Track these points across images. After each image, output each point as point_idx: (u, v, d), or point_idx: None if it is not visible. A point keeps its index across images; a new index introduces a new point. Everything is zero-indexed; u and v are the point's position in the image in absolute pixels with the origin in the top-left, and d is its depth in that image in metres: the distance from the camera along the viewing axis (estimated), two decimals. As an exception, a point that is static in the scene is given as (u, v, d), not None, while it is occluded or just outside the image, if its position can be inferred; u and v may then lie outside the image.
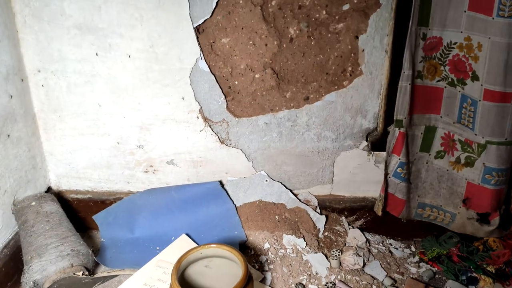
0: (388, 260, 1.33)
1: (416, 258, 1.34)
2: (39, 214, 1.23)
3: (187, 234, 1.35)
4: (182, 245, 1.32)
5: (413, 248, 1.39)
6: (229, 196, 1.41)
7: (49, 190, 1.46)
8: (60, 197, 1.44)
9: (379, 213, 1.31)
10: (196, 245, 1.32)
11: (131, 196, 1.44)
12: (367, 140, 1.34)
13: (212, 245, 1.05)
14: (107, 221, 1.43)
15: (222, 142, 1.36)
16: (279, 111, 1.32)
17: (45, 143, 1.40)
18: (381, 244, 1.39)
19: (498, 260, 1.24)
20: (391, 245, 1.39)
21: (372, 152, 1.34)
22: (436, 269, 1.30)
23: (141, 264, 1.28)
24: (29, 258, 1.15)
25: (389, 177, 1.26)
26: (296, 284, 1.20)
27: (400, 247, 1.39)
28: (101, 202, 1.46)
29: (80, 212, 1.48)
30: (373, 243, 1.38)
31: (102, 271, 1.28)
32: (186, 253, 1.04)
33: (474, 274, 1.24)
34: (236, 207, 1.40)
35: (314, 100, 1.30)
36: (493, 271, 1.25)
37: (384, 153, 1.34)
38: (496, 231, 1.27)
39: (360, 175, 1.39)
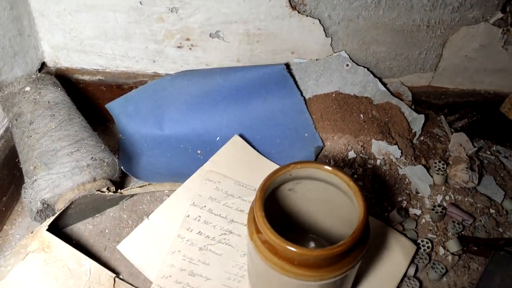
0: (502, 174, 1.02)
1: (535, 172, 1.04)
2: (38, 105, 0.85)
3: (240, 135, 1.00)
4: (235, 150, 0.97)
5: (527, 158, 1.08)
6: (296, 85, 1.03)
7: (43, 67, 1.05)
8: (59, 78, 1.05)
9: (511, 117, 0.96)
10: (254, 150, 0.98)
11: (159, 80, 1.05)
12: (504, 11, 0.93)
13: (308, 165, 0.71)
14: (126, 112, 1.07)
15: (294, 8, 0.94)
16: (383, -38, 0.88)
17: (32, -2, 0.96)
18: (489, 152, 1.07)
19: None
20: (500, 153, 1.08)
21: (509, 29, 0.95)
22: None
23: (180, 174, 0.95)
24: (32, 169, 0.80)
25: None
26: (398, 209, 0.90)
27: (511, 156, 1.08)
28: (116, 87, 1.08)
29: (88, 99, 1.10)
30: (480, 152, 1.06)
31: (130, 184, 0.95)
32: (271, 176, 0.70)
33: None
34: (305, 101, 1.03)
35: None
36: None
37: (524, 31, 0.95)
38: None
39: (477, 61, 1.02)
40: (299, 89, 1.03)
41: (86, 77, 1.07)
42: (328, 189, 0.74)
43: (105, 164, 0.82)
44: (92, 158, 0.80)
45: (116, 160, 0.86)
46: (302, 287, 0.65)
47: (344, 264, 0.64)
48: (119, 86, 1.07)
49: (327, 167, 0.70)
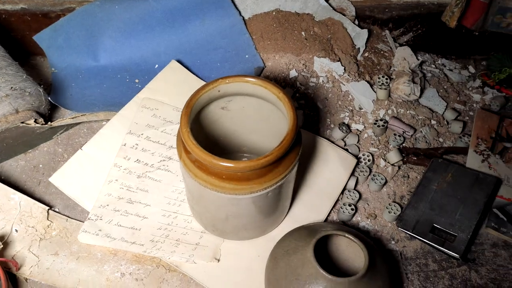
0: (445, 87, 1.02)
1: (478, 82, 1.04)
2: None
3: (178, 61, 0.95)
4: (173, 75, 0.93)
5: (471, 69, 1.07)
6: (234, 4, 0.97)
7: (-42, -1, 0.96)
8: (-21, 10, 0.96)
9: (453, 24, 0.94)
10: (193, 75, 0.95)
11: (88, 6, 0.98)
12: None
13: (236, 79, 0.68)
14: (56, 44, 1.00)
15: None
16: None
17: None
18: (433, 66, 1.06)
19: None
20: (445, 66, 1.07)
21: None
22: (505, 94, 1.02)
23: (117, 103, 0.91)
24: None
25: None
26: (339, 124, 0.89)
27: (456, 68, 1.07)
28: (42, 16, 1.00)
29: (13, 32, 1.02)
30: (424, 65, 1.05)
31: (63, 117, 0.90)
32: (197, 92, 0.67)
33: (560, 101, 0.97)
34: (244, 21, 0.98)
35: None
36: None
37: None
38: None
39: (420, -30, 0.98)
40: (237, 8, 0.98)
41: (8, 7, 0.98)
42: (262, 104, 0.72)
43: (27, 94, 0.77)
44: (11, 88, 0.75)
45: (41, 89, 0.81)
46: (233, 201, 0.64)
47: (274, 176, 0.63)
48: (45, 15, 1.00)
49: (253, 79, 0.67)
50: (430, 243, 0.77)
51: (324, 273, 0.60)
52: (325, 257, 0.72)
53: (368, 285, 0.61)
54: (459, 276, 0.75)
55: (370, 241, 0.70)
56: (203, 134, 0.74)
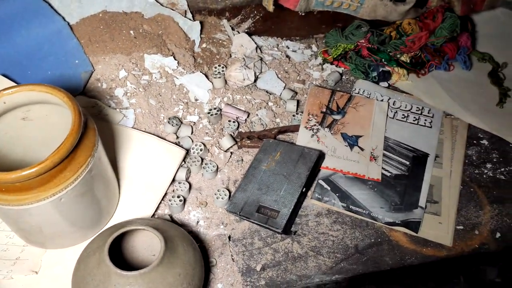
0: (286, 68, 1.05)
1: (319, 60, 1.07)
2: None
3: (4, 75, 0.93)
4: (-2, 91, 0.90)
5: (314, 48, 1.11)
6: (55, 10, 0.96)
7: None
8: None
9: (271, 8, 0.96)
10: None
11: None
12: None
13: (20, 88, 0.66)
14: None
15: None
16: None
17: None
18: (276, 49, 1.08)
19: (414, 46, 1.01)
20: (288, 48, 1.10)
21: None
22: (343, 69, 1.06)
23: None
24: None
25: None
26: (169, 118, 0.89)
27: (299, 49, 1.10)
28: None
29: None
30: (266, 49, 1.07)
31: None
32: (-28, 106, 0.65)
33: (387, 68, 1.02)
34: (70, 26, 0.97)
35: None
36: (408, 61, 1.03)
37: None
38: (412, 11, 1.01)
39: (240, -43, 1.00)
40: (60, 14, 0.96)
41: None
42: (61, 111, 0.71)
43: None
44: None
45: None
46: (24, 212, 0.63)
47: (61, 181, 0.62)
48: None
49: (38, 86, 0.66)
50: (256, 222, 0.78)
51: (115, 269, 0.60)
52: (134, 254, 0.72)
53: (163, 274, 0.61)
54: (282, 249, 0.77)
55: (183, 230, 0.70)
56: (5, 149, 0.72)
